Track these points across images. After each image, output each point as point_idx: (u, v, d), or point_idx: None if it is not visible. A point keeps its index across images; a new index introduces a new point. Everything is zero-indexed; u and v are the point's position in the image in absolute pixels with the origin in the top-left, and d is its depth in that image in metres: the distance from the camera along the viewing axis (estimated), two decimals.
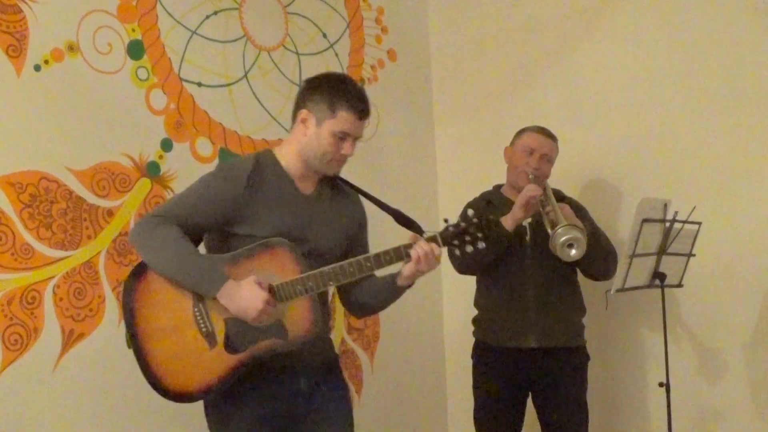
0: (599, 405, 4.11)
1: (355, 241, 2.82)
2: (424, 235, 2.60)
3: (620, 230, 3.96)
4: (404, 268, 2.62)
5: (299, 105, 2.70)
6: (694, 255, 3.51)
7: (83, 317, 3.24)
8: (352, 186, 2.87)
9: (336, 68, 4.33)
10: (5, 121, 3.08)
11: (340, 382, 2.84)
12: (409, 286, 2.71)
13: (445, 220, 2.64)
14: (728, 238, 3.74)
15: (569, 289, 3.58)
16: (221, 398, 2.62)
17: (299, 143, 2.68)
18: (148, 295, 2.57)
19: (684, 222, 3.38)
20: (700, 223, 3.44)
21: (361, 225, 2.88)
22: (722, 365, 3.79)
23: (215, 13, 3.80)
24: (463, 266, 3.60)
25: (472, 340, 3.73)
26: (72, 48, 3.28)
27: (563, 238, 3.18)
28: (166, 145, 3.57)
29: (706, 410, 3.83)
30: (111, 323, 3.31)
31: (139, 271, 2.58)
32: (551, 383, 3.52)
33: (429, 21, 4.93)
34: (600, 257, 3.46)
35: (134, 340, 2.56)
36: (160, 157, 3.54)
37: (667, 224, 3.37)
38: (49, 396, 3.14)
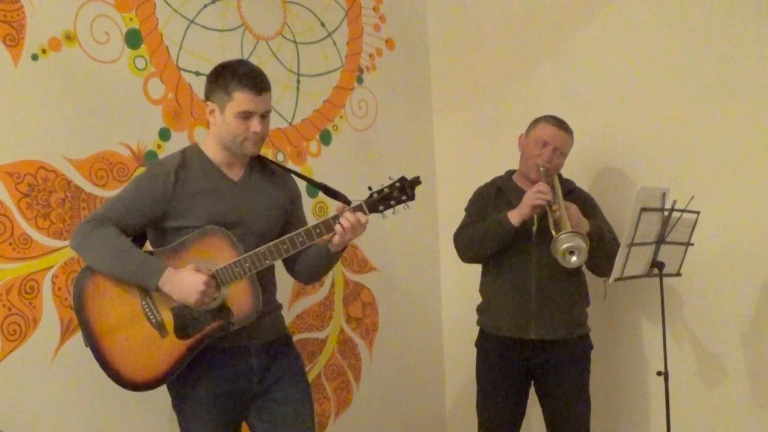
0: (598, 394, 4.12)
1: (291, 217, 3.01)
2: (351, 205, 2.80)
3: (619, 219, 3.95)
4: (334, 238, 2.81)
5: (205, 100, 2.86)
6: (692, 244, 3.51)
7: None
8: (278, 165, 3.05)
9: (334, 57, 4.33)
10: (3, 110, 3.08)
11: (292, 359, 3.01)
12: (343, 250, 2.92)
13: (369, 188, 2.81)
14: (727, 227, 3.74)
15: (573, 280, 3.58)
16: (178, 382, 2.81)
17: (214, 134, 2.86)
18: (97, 295, 2.73)
19: (682, 211, 3.38)
20: (698, 212, 3.44)
21: (294, 201, 3.05)
22: (720, 354, 3.80)
23: (213, 2, 3.79)
24: (467, 256, 3.63)
25: (470, 329, 3.74)
26: (69, 37, 3.27)
27: (565, 245, 3.20)
28: (164, 135, 3.56)
29: (704, 399, 3.83)
30: None
31: (86, 275, 2.75)
32: (552, 373, 3.54)
33: (427, 10, 4.93)
34: (602, 257, 3.45)
35: (90, 339, 2.73)
36: (158, 146, 3.54)
37: (666, 213, 3.36)
38: (47, 386, 3.14)
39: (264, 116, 2.82)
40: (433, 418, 4.78)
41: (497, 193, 3.65)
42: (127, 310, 2.73)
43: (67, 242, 3.19)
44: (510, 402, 3.59)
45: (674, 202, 3.34)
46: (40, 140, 3.16)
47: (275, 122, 3.98)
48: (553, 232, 3.29)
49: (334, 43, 4.36)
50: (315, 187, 3.01)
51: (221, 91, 2.77)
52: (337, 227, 2.75)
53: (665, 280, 3.45)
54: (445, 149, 4.85)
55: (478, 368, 3.69)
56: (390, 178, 2.81)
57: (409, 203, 2.81)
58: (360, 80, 4.48)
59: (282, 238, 2.74)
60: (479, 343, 3.72)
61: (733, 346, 3.76)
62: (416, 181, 2.80)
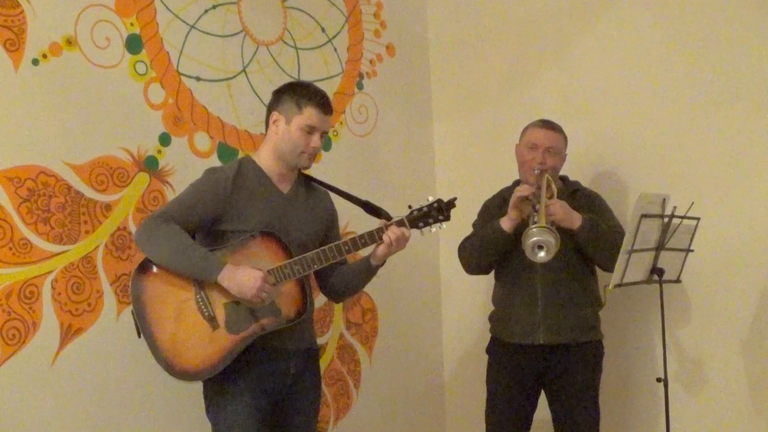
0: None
1: (328, 234, 3.18)
2: (393, 220, 2.98)
3: None
4: (377, 250, 3.00)
5: (270, 110, 3.07)
6: (692, 250, 3.51)
7: (81, 312, 3.24)
8: (323, 185, 3.23)
9: (334, 63, 4.33)
10: (3, 115, 3.07)
11: (317, 373, 3.19)
12: (382, 264, 3.09)
13: (410, 206, 3.01)
14: (727, 233, 3.74)
15: (581, 283, 3.58)
16: (219, 375, 2.90)
17: (273, 143, 3.05)
18: (153, 288, 2.89)
19: (682, 217, 3.38)
20: (698, 219, 3.43)
21: (332, 220, 3.26)
22: (720, 360, 3.79)
23: (214, 7, 3.79)
24: (470, 267, 3.67)
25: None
26: (70, 42, 3.28)
27: (532, 240, 3.15)
28: (165, 140, 3.56)
29: (704, 406, 3.83)
30: (109, 318, 3.31)
31: (143, 269, 2.90)
32: (561, 378, 3.53)
33: (428, 16, 4.93)
34: (599, 249, 3.45)
35: (145, 329, 2.86)
36: (159, 151, 3.54)
37: (666, 219, 3.36)
38: (47, 390, 3.14)
39: (323, 135, 3.05)
40: (433, 424, 4.77)
41: (502, 204, 3.65)
42: (182, 302, 2.88)
43: (66, 247, 3.20)
44: (518, 408, 3.59)
45: (674, 208, 3.34)
46: (41, 145, 3.16)
47: None
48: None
49: (335, 49, 4.37)
50: (358, 205, 3.15)
51: (292, 103, 2.99)
52: (385, 237, 2.93)
53: (665, 286, 3.45)
54: (446, 155, 4.85)
55: (489, 374, 3.70)
56: (428, 199, 3.00)
57: (444, 224, 3.00)
58: (360, 86, 4.49)
59: (329, 245, 2.93)
60: (491, 350, 3.73)
61: (733, 353, 3.76)
62: (452, 204, 3.00)
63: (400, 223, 2.97)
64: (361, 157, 4.43)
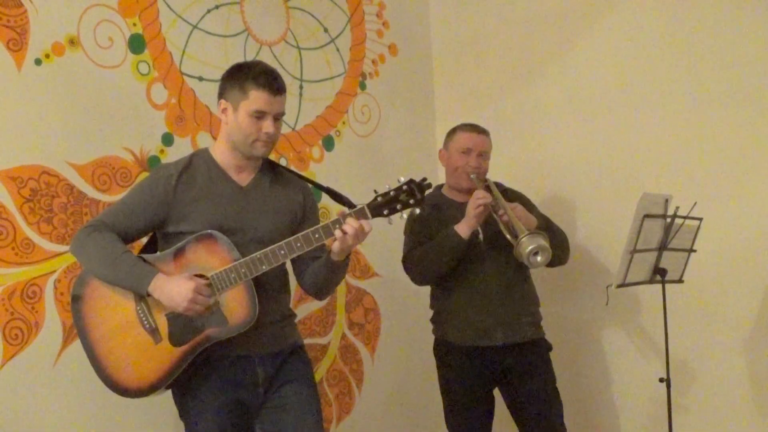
0: (600, 401, 4.12)
1: (303, 226, 2.82)
2: (353, 210, 2.64)
3: (621, 226, 3.95)
4: (333, 245, 2.66)
5: (218, 98, 2.81)
6: (695, 251, 3.51)
7: None
8: (288, 170, 2.98)
9: (337, 63, 4.33)
10: (6, 115, 3.08)
11: (300, 364, 2.91)
12: (345, 259, 2.76)
13: (375, 191, 2.67)
14: (729, 233, 3.74)
15: (526, 282, 3.59)
16: (181, 390, 2.76)
17: (225, 133, 2.80)
18: (94, 301, 2.72)
19: (685, 217, 3.38)
20: (701, 219, 3.44)
21: (307, 208, 2.95)
22: (723, 360, 3.79)
23: (216, 7, 3.80)
24: (423, 277, 3.60)
25: (434, 339, 3.70)
26: (73, 42, 3.28)
27: (529, 248, 3.19)
28: (167, 140, 3.57)
29: (706, 406, 3.83)
30: None
31: (83, 279, 2.74)
32: (520, 377, 3.50)
33: (430, 16, 4.93)
34: (557, 245, 3.43)
35: (85, 343, 2.72)
36: (161, 151, 3.54)
37: (668, 220, 3.36)
38: (49, 390, 3.14)
39: (276, 118, 2.77)
40: (435, 425, 4.76)
41: (434, 210, 3.59)
42: (122, 315, 2.69)
43: (68, 247, 3.20)
44: (479, 411, 3.54)
45: (677, 208, 3.35)
46: (43, 145, 3.17)
47: None
48: (508, 237, 3.31)
49: (337, 49, 4.37)
50: (320, 189, 2.93)
51: (237, 88, 2.73)
52: (337, 232, 2.61)
53: (668, 286, 3.45)
54: None
55: (442, 380, 3.64)
56: (398, 181, 2.66)
57: (417, 209, 2.65)
58: (363, 86, 4.49)
59: (279, 243, 2.64)
60: (439, 354, 3.66)
61: (735, 353, 3.76)
62: (425, 184, 2.67)
63: (359, 213, 2.62)
64: (363, 158, 4.43)
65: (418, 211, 2.66)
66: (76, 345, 3.18)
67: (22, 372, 3.06)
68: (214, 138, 3.72)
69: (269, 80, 2.73)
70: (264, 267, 2.63)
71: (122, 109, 3.42)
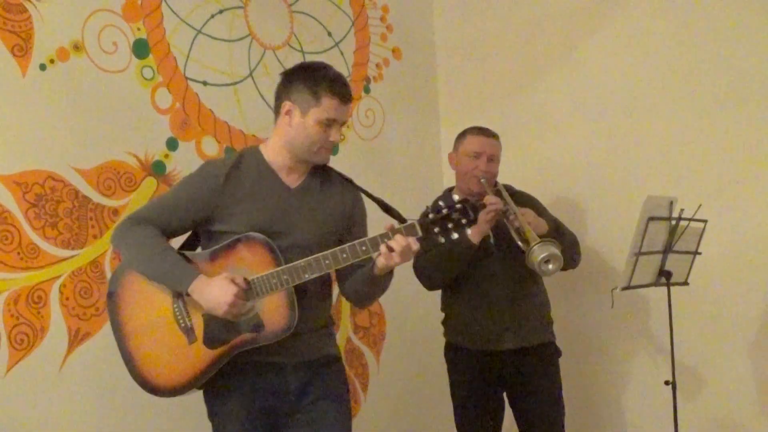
0: (605, 403, 4.11)
1: (349, 233, 2.76)
2: (403, 225, 2.54)
3: (626, 228, 3.94)
4: (377, 260, 2.54)
5: (282, 97, 2.69)
6: (700, 253, 3.50)
7: (89, 316, 3.24)
8: (342, 176, 2.84)
9: (341, 67, 4.33)
10: (11, 120, 3.09)
11: (336, 380, 2.81)
12: (388, 274, 2.65)
13: (426, 207, 2.60)
14: (734, 236, 3.73)
15: (536, 286, 3.57)
16: (212, 394, 2.68)
17: (286, 135, 2.68)
18: (130, 294, 2.64)
19: (690, 220, 3.37)
20: (706, 221, 3.43)
21: (355, 215, 2.83)
22: (728, 363, 3.79)
23: (220, 11, 3.80)
24: (432, 283, 3.58)
25: (445, 341, 3.70)
26: (77, 47, 3.29)
27: (540, 257, 3.17)
28: (172, 144, 3.57)
29: (712, 408, 3.82)
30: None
31: (121, 273, 2.66)
32: (526, 381, 3.50)
33: (434, 19, 4.93)
34: (566, 249, 3.41)
35: (117, 337, 2.64)
36: (166, 156, 3.54)
37: (673, 222, 3.36)
38: (55, 395, 3.14)
39: (341, 125, 2.70)
40: (440, 428, 4.76)
41: None
42: (158, 311, 2.61)
43: (74, 252, 3.21)
44: (487, 414, 3.55)
45: (681, 211, 3.34)
46: (48, 150, 3.17)
47: None
48: (519, 242, 3.29)
49: (341, 53, 4.37)
50: (373, 200, 2.77)
51: (308, 93, 2.62)
52: (382, 247, 2.50)
53: (673, 289, 3.45)
54: None
55: (453, 383, 3.64)
56: (453, 198, 2.54)
57: (468, 229, 2.54)
58: (367, 90, 4.49)
59: (324, 253, 2.53)
60: (449, 358, 3.67)
61: (741, 356, 3.75)
62: (480, 204, 2.58)
63: (409, 230, 2.51)
64: (367, 161, 4.43)
65: (469, 231, 2.57)
66: (82, 349, 3.20)
67: (28, 377, 3.07)
68: (219, 142, 3.74)
69: (343, 88, 2.66)
70: (307, 276, 2.53)
71: (126, 114, 3.42)
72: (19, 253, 3.07)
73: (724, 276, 3.77)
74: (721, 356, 3.81)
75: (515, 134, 4.38)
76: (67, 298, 3.18)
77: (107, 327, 3.22)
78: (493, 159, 3.56)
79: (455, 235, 2.53)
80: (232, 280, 2.50)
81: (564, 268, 3.43)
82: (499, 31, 4.64)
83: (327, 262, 2.53)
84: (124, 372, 3.26)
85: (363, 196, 2.85)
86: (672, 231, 3.37)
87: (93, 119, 3.31)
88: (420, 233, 2.53)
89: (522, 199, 3.57)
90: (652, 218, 3.28)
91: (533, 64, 4.50)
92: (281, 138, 2.69)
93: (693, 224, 3.39)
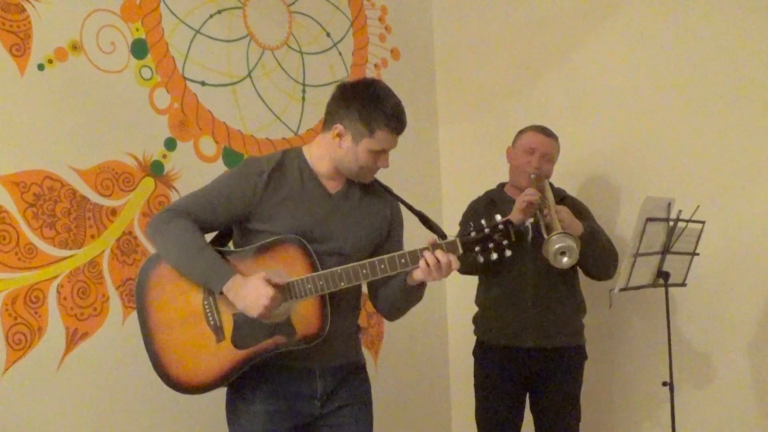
0: (603, 404, 4.11)
1: (386, 241, 2.77)
2: (444, 241, 2.53)
3: (624, 229, 3.96)
4: (414, 272, 2.53)
5: (334, 118, 2.65)
6: (698, 254, 3.50)
7: (87, 316, 3.24)
8: (382, 186, 2.82)
9: (339, 67, 4.33)
10: (9, 120, 3.08)
11: (361, 387, 2.80)
12: (422, 287, 2.66)
13: (470, 224, 2.57)
14: (732, 237, 3.73)
15: (568, 288, 3.58)
16: (236, 395, 2.65)
17: (333, 153, 2.66)
18: (160, 287, 2.59)
19: (688, 221, 3.37)
20: (704, 222, 3.43)
21: (393, 225, 2.82)
22: (726, 364, 3.79)
23: (219, 12, 3.80)
24: (463, 267, 3.58)
25: (475, 339, 3.73)
26: (75, 47, 3.28)
27: (556, 246, 3.16)
28: (170, 144, 3.57)
29: (710, 410, 3.82)
30: (115, 322, 3.31)
31: (153, 263, 2.61)
32: (547, 382, 3.54)
33: (433, 20, 4.93)
34: (598, 257, 3.45)
35: (144, 332, 2.59)
36: (164, 156, 3.54)
37: (671, 223, 3.36)
38: (53, 395, 3.14)
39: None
40: (439, 428, 4.76)
41: (490, 205, 3.64)
42: (188, 306, 2.57)
43: (72, 252, 3.21)
44: (509, 411, 3.58)
45: (679, 212, 3.34)
46: (46, 150, 3.17)
47: (281, 132, 3.99)
48: (545, 235, 3.28)
49: (340, 54, 4.37)
50: (413, 213, 2.73)
51: (362, 123, 2.59)
52: (421, 261, 2.49)
53: (670, 290, 3.45)
54: (451, 160, 4.85)
55: (477, 378, 3.69)
56: (497, 218, 2.53)
57: (508, 251, 2.52)
58: None
59: (362, 262, 2.52)
60: (477, 354, 3.71)
61: (739, 357, 3.75)
62: (523, 228, 2.58)
63: (450, 246, 2.51)
64: None
65: (509, 253, 2.53)
66: (80, 350, 3.21)
67: (26, 377, 3.07)
68: (217, 142, 3.73)
69: (399, 123, 2.65)
70: (343, 284, 2.51)
71: (125, 114, 3.42)
72: (16, 253, 3.07)
73: (721, 277, 3.77)
74: (718, 357, 3.81)
75: (513, 135, 4.37)
76: (65, 298, 3.18)
77: (105, 327, 3.27)
78: (547, 157, 3.60)
79: (495, 256, 2.52)
80: (269, 281, 2.47)
81: (598, 278, 3.53)
82: (498, 32, 4.64)
83: (365, 272, 2.52)
84: (121, 372, 3.29)
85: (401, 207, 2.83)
86: (670, 232, 3.37)
87: (91, 119, 3.31)
88: (461, 251, 2.52)
89: (570, 204, 3.59)
90: (650, 219, 3.28)
91: (531, 65, 4.50)
92: (328, 153, 2.67)
93: (691, 225, 3.39)
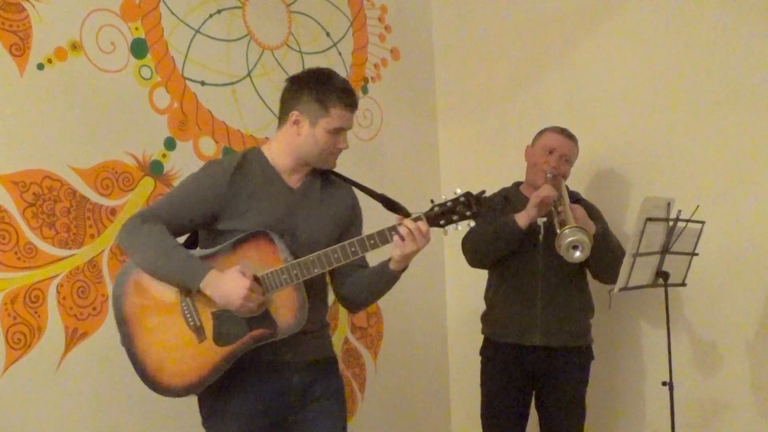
0: (603, 404, 4.11)
1: (346, 233, 2.79)
2: (410, 217, 2.58)
3: (623, 229, 3.95)
4: (393, 251, 2.59)
5: (289, 106, 2.71)
6: (697, 254, 3.50)
7: (86, 316, 3.24)
8: (340, 176, 2.88)
9: (339, 67, 4.33)
10: (9, 120, 3.08)
11: (335, 380, 2.84)
12: (403, 269, 2.69)
13: (431, 201, 2.61)
14: (732, 237, 3.73)
15: (577, 289, 3.60)
16: (211, 394, 2.65)
17: (292, 143, 2.71)
18: (138, 293, 2.62)
19: (687, 221, 3.37)
20: (703, 222, 3.43)
21: (353, 215, 2.88)
22: (725, 364, 3.79)
23: (219, 11, 3.80)
24: (475, 259, 3.63)
25: (475, 338, 3.74)
26: (75, 47, 3.28)
27: (569, 239, 3.19)
28: (170, 144, 3.57)
29: (709, 409, 3.82)
30: (114, 322, 3.30)
31: (126, 275, 2.65)
32: (553, 381, 3.55)
33: (433, 19, 4.93)
34: (609, 259, 3.45)
35: (125, 338, 2.62)
36: (164, 155, 3.54)
37: (671, 223, 3.36)
38: (52, 395, 3.14)
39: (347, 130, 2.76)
40: (438, 428, 4.76)
41: (504, 202, 3.66)
42: (166, 310, 2.59)
43: (71, 251, 3.21)
44: (515, 409, 3.60)
45: (679, 212, 3.34)
46: (46, 149, 3.17)
47: None
48: (558, 230, 3.29)
49: (339, 53, 4.37)
50: (375, 199, 2.77)
51: (316, 103, 2.66)
52: (396, 237, 2.54)
53: (670, 290, 3.45)
54: (451, 159, 4.85)
55: (483, 375, 3.70)
56: (455, 192, 2.58)
57: (472, 221, 2.57)
58: (365, 90, 4.49)
59: (333, 247, 2.57)
60: (484, 351, 3.72)
61: (738, 357, 3.75)
62: (484, 199, 2.60)
63: (415, 219, 2.55)
64: (365, 162, 4.43)
65: (473, 223, 2.58)
66: (79, 349, 3.20)
67: (25, 376, 3.07)
68: (217, 142, 3.73)
69: (351, 97, 2.71)
70: (317, 270, 2.57)
71: (125, 114, 3.42)
72: (16, 253, 3.07)
73: (721, 277, 3.77)
74: (718, 357, 3.81)
75: (513, 135, 4.38)
76: (65, 298, 3.18)
77: (104, 326, 3.27)
78: (566, 159, 3.61)
79: (459, 227, 2.57)
80: (244, 273, 2.50)
81: (604, 280, 3.54)
82: (497, 32, 4.64)
83: (336, 255, 2.57)
84: (121, 372, 3.26)
85: (363, 196, 2.86)
86: (669, 232, 3.37)
87: (91, 119, 3.31)
88: (427, 225, 2.56)
89: (584, 206, 3.57)
90: (649, 219, 3.27)
91: (531, 64, 4.50)
92: (287, 144, 2.73)
93: (690, 225, 3.39)
